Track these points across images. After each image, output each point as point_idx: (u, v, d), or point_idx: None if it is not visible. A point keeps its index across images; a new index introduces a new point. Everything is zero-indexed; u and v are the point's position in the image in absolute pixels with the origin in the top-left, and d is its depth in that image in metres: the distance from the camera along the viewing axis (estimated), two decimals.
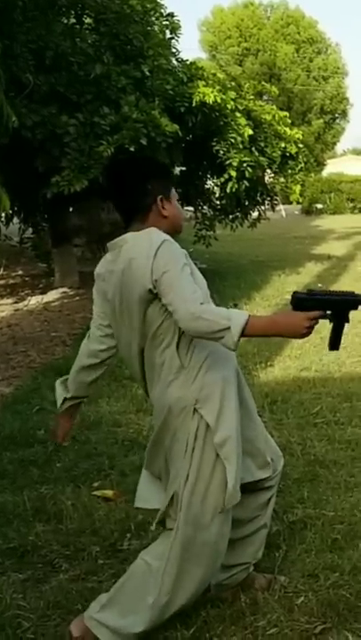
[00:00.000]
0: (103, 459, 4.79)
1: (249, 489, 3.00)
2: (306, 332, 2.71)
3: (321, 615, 3.02)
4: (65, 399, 3.12)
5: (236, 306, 9.56)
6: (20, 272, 14.67)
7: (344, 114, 46.92)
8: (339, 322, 2.86)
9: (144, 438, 4.92)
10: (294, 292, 2.82)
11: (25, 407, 5.95)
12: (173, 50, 11.39)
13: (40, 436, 5.23)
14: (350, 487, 4.26)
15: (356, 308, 2.85)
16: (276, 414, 5.56)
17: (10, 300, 11.65)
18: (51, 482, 4.47)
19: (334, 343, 2.94)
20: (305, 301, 2.75)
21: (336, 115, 46.36)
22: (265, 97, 22.18)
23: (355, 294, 2.85)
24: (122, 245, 2.79)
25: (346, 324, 2.88)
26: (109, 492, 4.27)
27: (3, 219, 12.28)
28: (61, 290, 12.08)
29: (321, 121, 44.98)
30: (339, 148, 59.20)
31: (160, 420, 2.82)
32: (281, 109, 13.59)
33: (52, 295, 11.80)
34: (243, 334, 2.55)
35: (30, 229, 13.70)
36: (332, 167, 46.09)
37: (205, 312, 2.55)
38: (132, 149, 8.68)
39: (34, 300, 11.47)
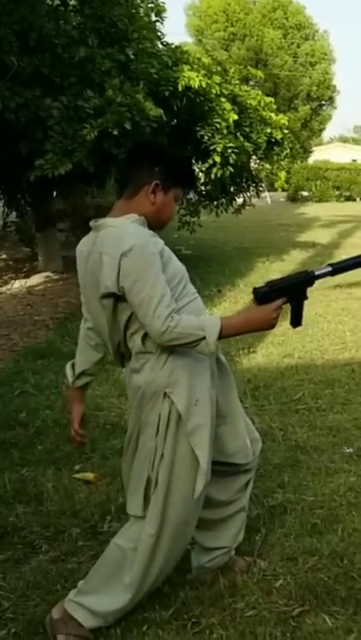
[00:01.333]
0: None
1: (227, 471, 3.04)
2: (275, 323, 2.82)
3: (299, 598, 3.05)
4: (82, 372, 3.10)
5: (219, 292, 9.59)
6: (4, 256, 14.59)
7: (331, 100, 46.91)
8: (299, 301, 2.95)
9: (125, 422, 4.87)
10: (256, 289, 2.88)
11: (7, 390, 5.95)
12: (158, 33, 11.31)
13: (21, 419, 5.24)
14: (330, 473, 4.30)
15: (312, 285, 2.97)
16: (258, 400, 5.58)
17: None
18: (32, 464, 4.48)
19: (298, 320, 3.03)
20: (270, 294, 2.84)
21: (323, 101, 46.32)
22: (251, 82, 22.15)
23: (307, 272, 2.97)
24: (101, 230, 2.76)
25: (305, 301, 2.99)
26: (90, 475, 4.29)
27: None
28: (45, 274, 12.04)
29: (308, 107, 44.92)
30: (325, 135, 59.35)
31: (133, 404, 2.84)
32: (267, 95, 13.55)
33: (36, 279, 11.76)
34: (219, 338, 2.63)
35: (14, 213, 13.63)
36: (318, 154, 46.19)
37: (178, 326, 2.57)
38: (115, 133, 8.64)
39: (17, 284, 11.43)
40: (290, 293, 2.89)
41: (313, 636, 2.81)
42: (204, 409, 2.78)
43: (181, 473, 2.77)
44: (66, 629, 2.79)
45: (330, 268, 2.98)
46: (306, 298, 2.95)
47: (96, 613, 2.80)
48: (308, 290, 2.96)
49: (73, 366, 3.14)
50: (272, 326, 2.84)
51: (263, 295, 2.84)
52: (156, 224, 2.85)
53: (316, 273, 2.95)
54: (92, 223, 2.83)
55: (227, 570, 3.21)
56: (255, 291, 2.87)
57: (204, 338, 2.61)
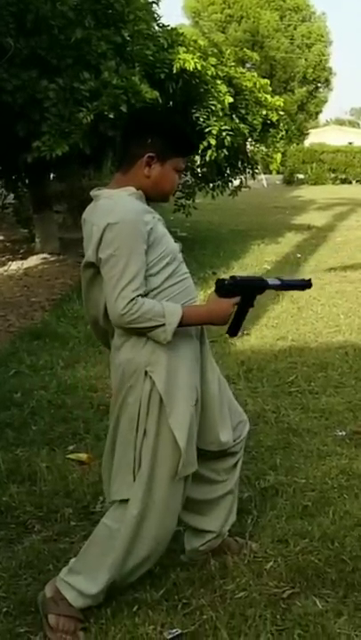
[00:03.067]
0: (78, 423, 4.78)
1: (209, 455, 3.00)
2: (229, 318, 2.81)
3: (290, 580, 3.04)
4: None
5: (214, 274, 9.53)
6: (1, 237, 14.53)
7: (327, 83, 46.58)
8: (246, 306, 2.89)
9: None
10: (221, 280, 2.85)
11: (2, 370, 5.92)
12: (155, 15, 11.19)
13: (16, 399, 5.22)
14: (322, 455, 4.28)
15: (261, 293, 2.94)
16: (251, 382, 5.56)
17: None
18: (26, 444, 4.46)
19: (237, 326, 2.97)
20: (233, 288, 2.82)
21: (319, 84, 46.00)
22: (248, 65, 21.97)
23: (262, 279, 2.98)
24: (97, 201, 2.71)
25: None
26: (84, 456, 4.27)
27: None
28: (42, 256, 11.98)
29: (304, 90, 44.63)
30: (322, 118, 59.04)
31: (115, 382, 2.79)
32: (264, 77, 13.43)
33: (33, 261, 11.71)
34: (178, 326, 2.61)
35: (12, 195, 13.54)
36: (314, 137, 45.90)
37: (138, 310, 2.54)
38: (111, 116, 8.57)
39: (14, 266, 11.38)
40: (246, 294, 2.86)
41: (303, 618, 2.80)
42: (185, 390, 2.73)
43: (165, 454, 2.73)
44: (57, 609, 2.78)
45: (279, 282, 2.97)
46: (253, 305, 2.91)
47: (83, 594, 2.78)
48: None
49: None
50: (225, 322, 2.82)
51: (228, 288, 2.81)
52: (156, 196, 2.79)
53: (270, 283, 2.94)
54: (92, 192, 2.78)
55: (218, 551, 3.20)
56: (221, 282, 2.84)
57: (163, 325, 2.58)
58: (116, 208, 2.61)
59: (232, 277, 2.88)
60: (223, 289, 2.81)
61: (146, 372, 2.68)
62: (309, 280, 3.05)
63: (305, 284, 3.03)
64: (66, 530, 3.49)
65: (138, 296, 2.55)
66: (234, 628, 2.76)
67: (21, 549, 3.31)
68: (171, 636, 2.69)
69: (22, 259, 11.91)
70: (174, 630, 2.72)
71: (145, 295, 2.61)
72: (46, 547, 3.32)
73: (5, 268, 11.29)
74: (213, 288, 2.86)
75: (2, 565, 3.17)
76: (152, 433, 2.71)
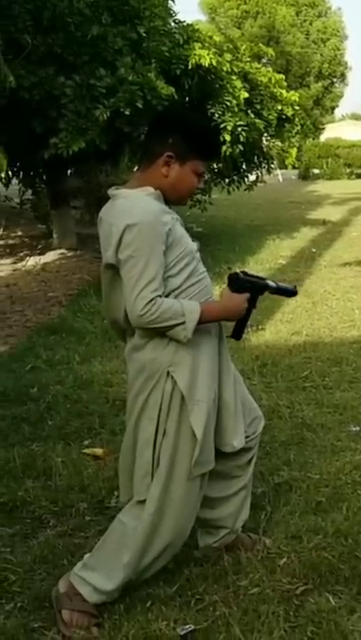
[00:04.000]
0: (94, 417, 4.77)
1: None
2: (243, 313, 2.82)
3: (303, 576, 3.01)
4: None
5: (230, 269, 9.49)
6: (20, 233, 14.55)
7: (343, 77, 46.31)
8: (251, 307, 2.88)
9: (127, 395, 4.89)
10: (235, 275, 2.84)
11: (19, 365, 5.92)
12: (171, 11, 11.14)
13: (33, 394, 5.21)
14: (336, 451, 4.24)
15: (262, 293, 2.93)
16: (265, 377, 5.52)
17: (9, 261, 11.56)
18: (42, 439, 4.45)
19: (242, 329, 2.97)
20: (245, 284, 2.82)
21: (334, 78, 45.74)
22: (264, 60, 21.85)
23: (264, 278, 2.98)
24: (115, 200, 2.67)
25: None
26: (99, 451, 4.25)
27: (3, 180, 12.12)
28: (59, 251, 11.99)
29: (320, 85, 44.41)
30: (337, 112, 58.59)
31: (134, 382, 2.76)
32: (279, 72, 13.36)
33: (50, 256, 11.71)
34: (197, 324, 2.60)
35: (30, 191, 13.55)
36: (330, 132, 45.58)
37: (157, 310, 2.51)
38: (127, 113, 8.54)
39: (32, 261, 11.39)
40: (253, 293, 2.85)
41: (316, 615, 2.77)
42: (204, 390, 2.71)
43: (184, 453, 2.71)
44: (70, 605, 2.76)
45: (275, 285, 2.97)
46: (255, 307, 2.90)
47: (98, 590, 2.76)
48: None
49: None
50: (240, 317, 2.83)
51: (242, 283, 2.81)
52: (173, 198, 2.74)
53: (269, 284, 2.94)
54: (110, 191, 2.74)
55: (232, 547, 3.17)
56: (235, 276, 2.82)
57: (183, 323, 2.56)
58: (133, 209, 2.57)
59: (242, 272, 2.87)
60: (236, 284, 2.79)
61: (168, 373, 2.66)
62: (295, 287, 3.14)
63: (293, 292, 3.09)
64: (81, 525, 3.47)
65: (157, 296, 2.52)
66: (247, 624, 2.73)
67: (36, 544, 3.30)
68: (183, 633, 2.67)
69: (40, 254, 11.92)
70: (187, 626, 2.70)
71: (165, 296, 2.58)
72: (61, 541, 3.31)
73: (23, 263, 11.31)
74: (227, 283, 2.84)
75: (17, 560, 3.15)
76: (172, 432, 2.69)
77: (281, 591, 2.92)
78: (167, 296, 2.59)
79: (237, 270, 2.94)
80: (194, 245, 2.76)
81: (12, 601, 2.89)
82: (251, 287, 2.84)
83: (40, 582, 3.01)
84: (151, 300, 2.51)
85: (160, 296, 2.54)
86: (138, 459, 2.77)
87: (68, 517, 3.54)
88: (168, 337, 2.64)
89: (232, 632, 2.68)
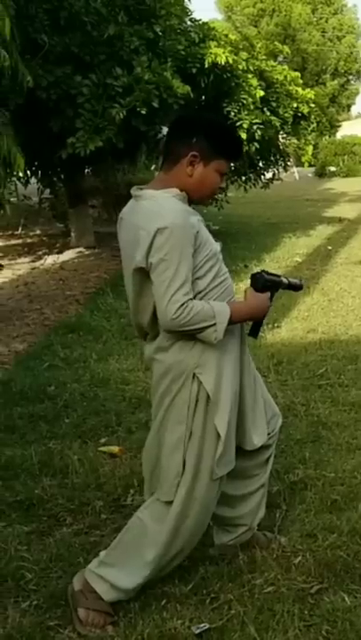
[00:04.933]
0: (111, 415, 4.76)
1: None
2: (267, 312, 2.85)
3: (318, 575, 2.99)
4: None
5: (246, 267, 9.47)
6: (38, 232, 14.59)
7: (359, 74, 45.99)
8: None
9: (151, 396, 4.88)
10: (258, 274, 2.85)
11: (37, 363, 5.92)
12: (187, 10, 11.11)
13: (50, 392, 5.21)
14: (352, 449, 4.21)
15: (277, 290, 2.94)
16: (281, 375, 5.49)
17: (27, 259, 11.60)
18: (59, 437, 4.44)
19: (259, 327, 2.98)
20: (267, 283, 2.83)
21: (350, 75, 45.46)
22: (280, 58, 21.75)
23: (280, 275, 2.98)
24: (140, 201, 2.66)
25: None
26: (115, 449, 4.24)
27: (22, 179, 12.15)
28: (77, 250, 12.01)
29: (336, 82, 44.16)
30: (354, 110, 58.24)
31: (159, 384, 2.74)
32: (295, 70, 13.32)
33: (68, 255, 11.73)
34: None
35: (48, 190, 13.58)
36: (346, 129, 45.30)
37: (189, 314, 2.50)
38: (143, 112, 8.53)
39: (50, 259, 11.41)
40: (273, 291, 2.87)
41: (331, 614, 2.75)
42: (228, 391, 2.70)
43: (209, 454, 2.70)
44: (86, 603, 2.75)
45: (287, 281, 2.97)
46: (271, 304, 2.91)
47: (116, 587, 2.75)
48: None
49: None
50: (265, 316, 2.86)
51: (265, 282, 2.82)
52: (196, 198, 2.73)
53: (283, 281, 2.95)
54: (133, 191, 2.72)
55: (247, 546, 3.15)
56: (260, 275, 2.83)
57: (214, 324, 2.55)
58: (162, 211, 2.55)
59: (264, 271, 2.87)
60: (260, 283, 2.80)
61: (194, 375, 2.65)
62: (301, 279, 3.14)
63: (301, 286, 3.08)
64: (96, 523, 3.46)
65: (188, 300, 2.51)
66: (262, 623, 2.71)
67: (52, 542, 3.29)
68: (198, 631, 2.66)
69: (58, 252, 11.94)
70: (202, 625, 2.69)
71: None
72: (77, 539, 3.30)
73: (42, 261, 11.33)
74: (249, 283, 2.84)
75: (33, 558, 3.15)
76: (198, 434, 2.68)
77: (296, 590, 2.90)
78: (193, 298, 2.57)
79: (258, 270, 2.95)
80: (217, 246, 2.74)
81: (27, 599, 2.89)
82: (272, 285, 2.85)
83: (56, 580, 3.01)
84: (183, 304, 2.49)
85: (191, 299, 2.53)
86: (166, 461, 2.75)
87: (84, 515, 3.53)
88: (194, 339, 2.63)
89: (247, 631, 2.67)
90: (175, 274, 2.50)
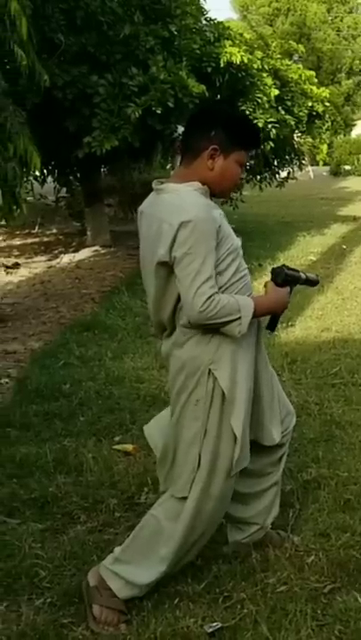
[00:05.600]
0: (125, 413, 4.75)
1: (263, 446, 2.94)
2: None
3: (331, 575, 2.97)
4: None
5: (260, 266, 9.43)
6: (55, 230, 14.62)
7: None
8: None
9: (166, 394, 4.85)
10: (279, 269, 2.85)
11: (52, 361, 5.92)
12: (202, 9, 11.08)
13: (65, 390, 5.21)
14: None
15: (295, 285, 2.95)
16: (295, 374, 5.46)
17: (44, 258, 11.62)
18: (73, 435, 4.44)
19: (276, 322, 2.97)
20: (287, 277, 2.84)
21: None
22: (295, 57, 21.67)
23: (298, 271, 2.98)
24: (161, 194, 2.65)
25: None
26: (129, 447, 4.24)
27: (38, 178, 12.17)
28: (93, 248, 12.01)
29: (351, 81, 43.94)
30: None
31: (175, 380, 2.73)
32: (310, 69, 13.26)
33: (84, 253, 11.74)
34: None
35: (65, 189, 13.60)
36: None
37: (216, 307, 2.49)
38: (158, 112, 8.52)
39: (66, 258, 11.43)
40: (292, 285, 2.88)
41: (344, 613, 2.73)
42: (243, 387, 2.69)
43: (225, 451, 2.69)
44: (100, 600, 2.74)
45: (305, 276, 2.97)
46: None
47: (131, 584, 2.75)
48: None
49: None
50: (283, 311, 2.85)
51: (286, 277, 2.81)
52: (218, 191, 2.72)
53: (302, 276, 2.95)
54: (154, 184, 2.71)
55: (260, 544, 3.14)
56: (281, 270, 2.82)
57: (239, 318, 2.54)
58: (185, 205, 2.54)
59: (284, 266, 2.87)
60: (280, 277, 2.80)
61: (209, 371, 2.63)
62: (317, 275, 3.14)
63: (317, 281, 3.07)
64: (110, 521, 3.46)
65: (215, 293, 2.50)
66: (274, 622, 2.69)
67: (66, 540, 3.28)
68: (211, 630, 2.64)
69: (74, 251, 11.96)
70: (215, 624, 2.67)
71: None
72: (91, 537, 3.30)
73: (58, 260, 11.35)
74: (270, 277, 2.84)
75: (47, 556, 3.14)
76: (214, 430, 2.67)
77: (309, 589, 2.88)
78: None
79: (275, 266, 2.93)
80: (238, 241, 2.73)
81: (41, 596, 2.89)
82: (291, 280, 2.85)
83: (70, 578, 3.00)
84: (210, 297, 2.48)
85: (217, 292, 2.52)
86: (182, 456, 2.74)
87: (99, 513, 3.53)
88: (210, 334, 2.62)
89: (259, 630, 2.65)
90: (201, 267, 2.49)
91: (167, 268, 2.58)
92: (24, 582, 2.97)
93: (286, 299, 2.81)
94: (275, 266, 2.92)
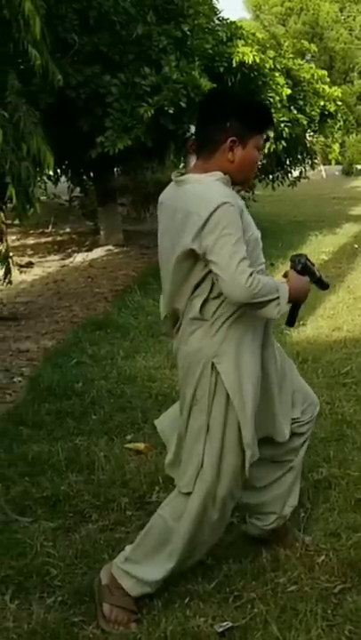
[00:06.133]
0: (137, 412, 4.74)
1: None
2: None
3: (341, 575, 2.95)
4: None
5: (272, 265, 9.39)
6: (68, 230, 14.63)
7: None
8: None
9: (177, 393, 4.82)
10: (298, 257, 2.79)
11: (65, 360, 5.92)
12: (215, 9, 11.07)
13: (78, 389, 5.21)
14: None
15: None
16: (306, 373, 5.41)
17: (57, 257, 11.64)
18: (85, 433, 4.44)
19: (296, 316, 2.90)
20: (306, 265, 2.78)
21: None
22: (308, 57, 21.60)
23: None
24: (183, 185, 2.63)
25: None
26: (141, 445, 4.23)
27: (52, 178, 12.17)
28: (106, 247, 12.01)
29: None
30: None
31: (182, 374, 2.73)
32: (323, 69, 13.23)
33: (97, 252, 11.75)
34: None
35: (78, 188, 13.61)
36: None
37: (258, 285, 2.44)
38: (171, 111, 8.51)
39: (79, 257, 11.44)
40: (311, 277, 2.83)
41: (354, 614, 2.71)
42: (249, 383, 2.65)
43: (231, 446, 2.67)
44: (111, 599, 2.74)
45: (318, 274, 2.92)
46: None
47: (142, 581, 2.73)
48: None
49: None
50: (301, 303, 2.79)
51: (305, 265, 2.76)
52: (240, 179, 2.71)
53: (317, 274, 2.90)
54: (174, 176, 2.69)
55: (276, 539, 3.11)
56: (302, 258, 2.78)
57: (277, 298, 2.50)
58: (210, 193, 2.52)
59: (303, 255, 2.83)
60: (299, 265, 2.75)
61: (213, 364, 2.62)
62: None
63: (327, 286, 3.02)
64: (122, 519, 3.45)
65: (253, 272, 2.46)
66: (284, 622, 2.68)
67: (78, 538, 3.28)
68: (221, 630, 2.63)
69: (88, 250, 11.97)
70: (225, 623, 2.66)
71: None
72: (102, 536, 3.29)
73: (71, 259, 11.36)
74: (289, 265, 2.80)
75: (59, 554, 3.14)
76: (219, 425, 2.65)
77: (319, 589, 2.87)
78: None
79: (297, 253, 2.89)
80: (258, 233, 2.72)
81: (52, 595, 2.88)
82: (308, 272, 2.80)
83: (81, 576, 3.00)
84: (251, 274, 2.45)
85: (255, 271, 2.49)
86: (188, 450, 2.73)
87: (110, 512, 3.52)
88: (215, 328, 2.61)
89: (270, 630, 2.64)
90: (236, 247, 2.46)
91: (192, 256, 2.56)
92: (35, 581, 2.97)
93: (307, 287, 2.75)
94: (295, 254, 2.87)
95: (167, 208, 2.69)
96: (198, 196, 2.54)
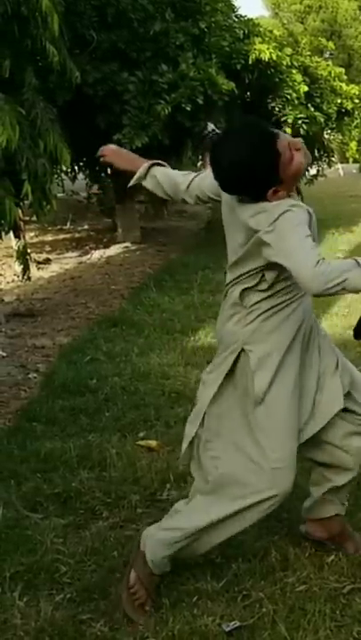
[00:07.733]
0: (150, 409, 4.73)
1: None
2: None
3: (351, 575, 2.91)
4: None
5: None
6: (86, 227, 14.64)
7: None
8: None
9: (190, 391, 4.82)
10: None
11: (79, 357, 5.91)
12: (232, 6, 11.04)
13: (92, 386, 5.19)
14: None
15: None
16: None
17: (75, 254, 11.64)
18: (98, 430, 4.42)
19: None
20: None
21: None
22: (326, 54, 21.49)
23: None
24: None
25: None
26: (153, 443, 4.21)
27: (69, 175, 12.18)
28: (123, 245, 12.00)
29: None
30: None
31: (218, 356, 2.77)
32: (341, 66, 13.17)
33: (115, 249, 11.74)
34: None
35: (96, 185, 13.62)
36: None
37: (329, 265, 2.37)
38: (188, 109, 8.48)
39: (97, 254, 11.43)
40: None
41: None
42: (285, 377, 2.65)
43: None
44: (140, 570, 2.71)
45: None
46: None
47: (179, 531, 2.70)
48: None
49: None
50: None
51: None
52: (292, 182, 2.59)
53: None
54: None
55: (340, 538, 3.07)
56: None
57: (359, 265, 2.41)
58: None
59: None
60: None
61: (243, 350, 2.65)
62: None
63: None
64: (132, 517, 3.43)
65: (323, 258, 2.39)
66: (293, 622, 2.65)
67: (88, 535, 3.26)
68: (229, 629, 2.61)
69: (105, 247, 11.96)
70: (233, 623, 2.64)
71: None
72: (112, 533, 3.27)
73: (88, 256, 11.36)
74: None
75: (69, 551, 3.12)
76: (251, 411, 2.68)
77: (328, 589, 2.83)
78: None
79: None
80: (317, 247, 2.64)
81: (61, 592, 2.87)
82: None
83: (90, 574, 2.98)
84: (322, 259, 2.37)
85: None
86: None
87: (121, 509, 3.50)
88: (253, 317, 2.62)
89: (277, 629, 2.61)
90: (304, 238, 2.42)
91: (259, 243, 2.51)
92: (44, 577, 2.96)
93: None
94: None
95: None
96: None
